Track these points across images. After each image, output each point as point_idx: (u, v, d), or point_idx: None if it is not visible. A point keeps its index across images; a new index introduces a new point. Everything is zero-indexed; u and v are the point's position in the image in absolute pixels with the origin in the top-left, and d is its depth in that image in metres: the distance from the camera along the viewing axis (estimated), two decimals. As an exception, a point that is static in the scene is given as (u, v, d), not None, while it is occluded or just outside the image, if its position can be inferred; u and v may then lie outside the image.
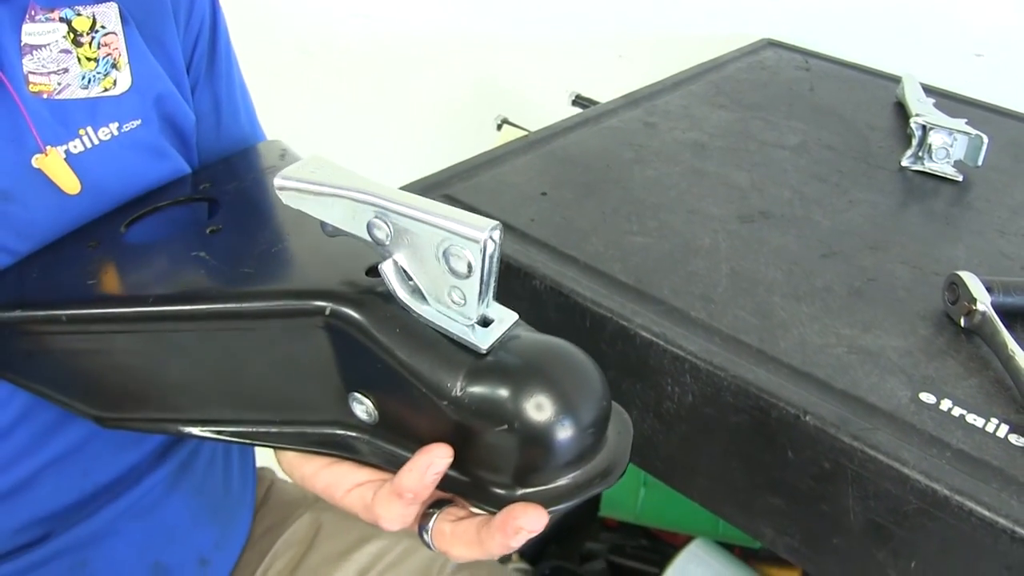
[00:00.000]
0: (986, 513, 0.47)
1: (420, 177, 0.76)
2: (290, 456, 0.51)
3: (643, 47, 1.32)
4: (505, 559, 1.38)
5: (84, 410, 0.53)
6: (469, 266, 0.39)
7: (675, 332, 0.58)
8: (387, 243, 0.41)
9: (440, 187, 0.74)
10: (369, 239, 0.42)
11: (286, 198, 0.43)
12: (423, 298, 0.42)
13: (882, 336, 0.59)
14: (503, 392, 0.40)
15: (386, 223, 0.41)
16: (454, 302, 0.41)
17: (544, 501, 0.41)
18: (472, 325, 0.42)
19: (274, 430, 0.50)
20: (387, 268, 0.42)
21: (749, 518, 0.59)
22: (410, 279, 0.42)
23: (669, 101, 0.94)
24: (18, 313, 0.49)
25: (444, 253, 0.40)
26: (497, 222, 0.39)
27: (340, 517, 0.77)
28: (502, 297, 0.60)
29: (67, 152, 0.53)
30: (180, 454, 0.65)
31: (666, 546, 1.38)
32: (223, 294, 0.47)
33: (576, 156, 0.81)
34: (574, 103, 1.15)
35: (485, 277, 0.40)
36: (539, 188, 0.75)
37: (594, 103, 1.05)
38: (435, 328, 0.43)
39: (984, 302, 0.59)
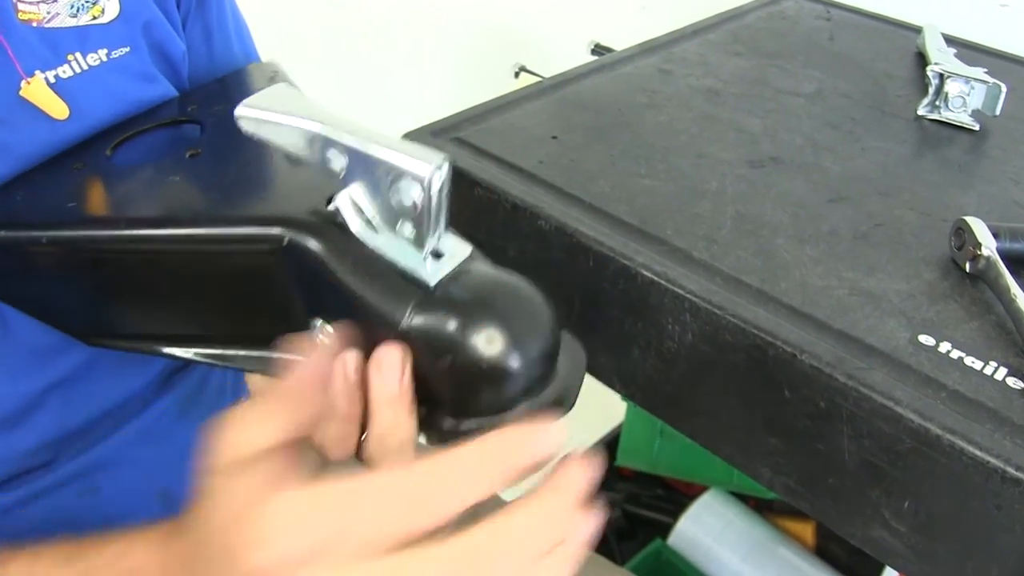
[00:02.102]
0: (978, 453, 0.47)
1: (432, 122, 0.76)
2: (255, 379, 0.51)
3: (666, -2, 1.31)
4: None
5: (71, 330, 0.55)
6: (416, 200, 0.40)
7: (676, 272, 0.59)
8: (341, 175, 0.42)
9: (451, 130, 0.75)
10: (325, 169, 0.42)
11: (245, 126, 0.43)
12: (375, 230, 0.43)
13: (885, 279, 0.59)
14: (450, 324, 0.41)
15: (341, 153, 0.41)
16: (405, 236, 0.42)
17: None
18: (424, 257, 0.42)
19: (242, 353, 0.50)
20: (341, 199, 0.43)
21: (747, 458, 0.59)
22: (363, 212, 0.43)
23: (686, 49, 0.93)
24: (2, 233, 0.50)
25: (392, 187, 0.40)
26: (444, 155, 0.39)
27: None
28: (509, 237, 0.61)
29: (56, 77, 0.54)
30: (188, 383, 0.66)
31: (681, 496, 1.39)
32: (188, 219, 0.47)
33: (589, 101, 0.81)
34: (593, 52, 1.14)
35: (433, 211, 0.40)
36: (550, 132, 0.75)
37: (613, 52, 1.05)
38: (388, 259, 0.43)
39: (989, 247, 0.59)
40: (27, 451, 0.57)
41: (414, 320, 0.41)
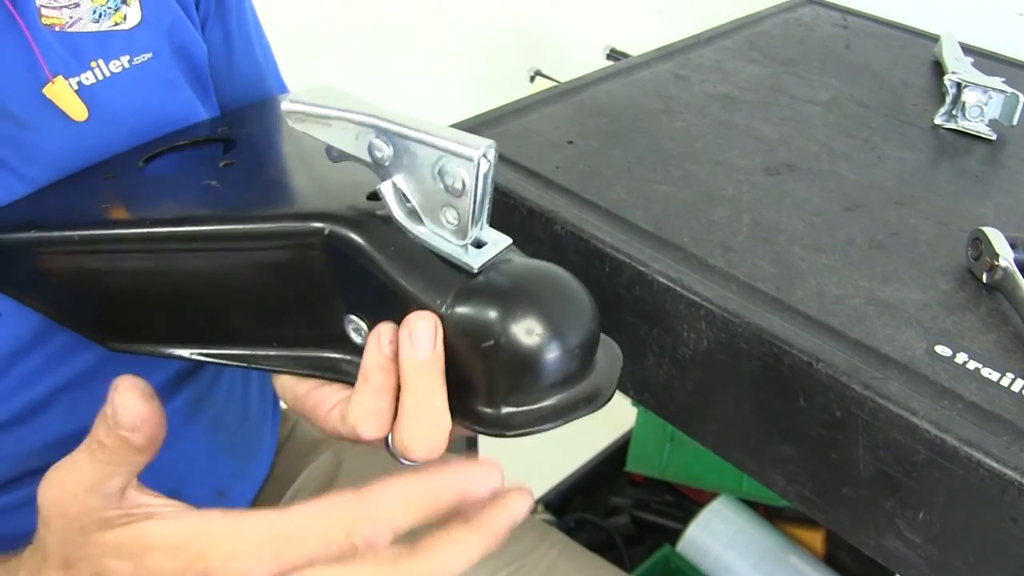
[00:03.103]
0: (994, 465, 0.47)
1: (447, 125, 0.76)
2: (284, 378, 0.52)
3: (682, 3, 1.31)
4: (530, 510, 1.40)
5: (91, 333, 0.55)
6: (463, 183, 0.40)
7: (692, 278, 0.58)
8: (387, 165, 0.42)
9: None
10: (370, 160, 0.43)
11: (292, 120, 0.44)
12: (419, 219, 0.43)
13: (901, 289, 0.59)
14: (491, 310, 0.41)
15: (386, 143, 0.42)
16: (448, 222, 0.42)
17: (528, 422, 0.42)
18: (466, 246, 0.42)
19: (272, 353, 0.51)
20: (385, 188, 0.43)
21: (761, 466, 0.59)
22: (408, 200, 0.43)
23: (702, 55, 0.93)
24: (32, 234, 0.51)
25: (439, 172, 0.40)
26: (492, 142, 0.39)
27: (361, 455, 0.78)
28: (524, 241, 0.61)
29: (79, 84, 0.54)
30: (197, 385, 0.67)
31: (691, 502, 1.39)
32: (227, 216, 0.48)
33: (605, 106, 0.81)
34: (608, 57, 1.14)
35: (479, 196, 0.40)
36: (566, 136, 0.75)
37: (628, 57, 1.05)
38: (430, 248, 0.43)
39: (1007, 258, 0.59)
40: (32, 451, 0.58)
41: (456, 307, 0.42)
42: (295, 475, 0.75)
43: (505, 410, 0.43)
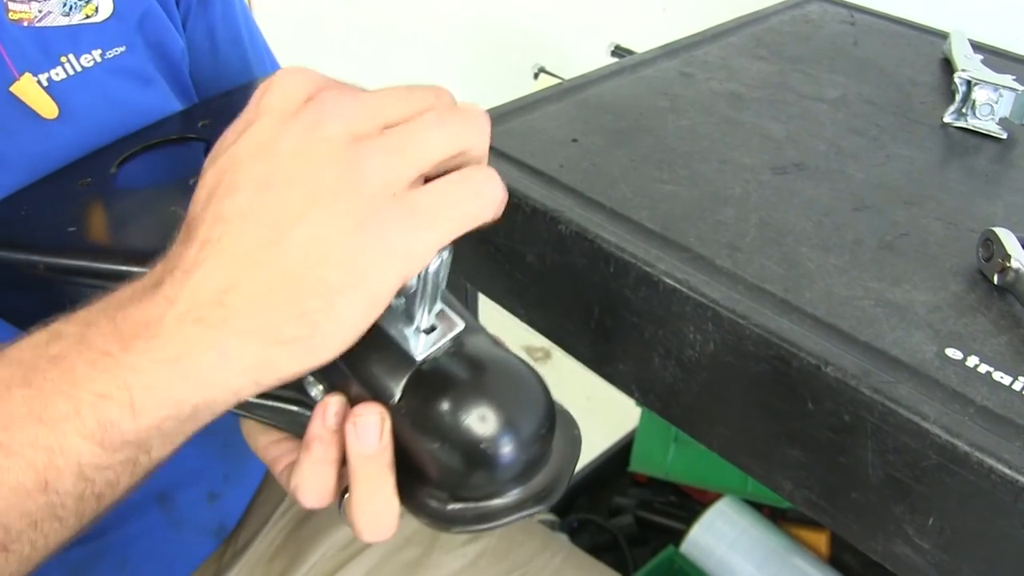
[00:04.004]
0: (1007, 471, 0.46)
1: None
2: (249, 425, 0.51)
3: (687, 0, 1.30)
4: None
5: None
6: (408, 284, 0.39)
7: (699, 279, 0.58)
8: None
9: (471, 131, 0.74)
10: None
11: None
12: None
13: (911, 290, 0.58)
14: (438, 407, 0.40)
15: None
16: (398, 307, 0.42)
17: (475, 519, 0.42)
18: (415, 332, 0.42)
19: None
20: None
21: (768, 469, 0.58)
22: None
23: (708, 52, 0.92)
24: (2, 253, 0.50)
25: None
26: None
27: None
28: (528, 241, 0.60)
29: (49, 80, 0.53)
30: None
31: (694, 503, 1.38)
32: None
33: (609, 104, 0.80)
34: (613, 54, 1.13)
35: (428, 293, 0.40)
36: (570, 135, 0.74)
37: (633, 54, 1.04)
38: (383, 329, 0.42)
39: (1019, 259, 0.58)
40: None
41: (405, 398, 0.41)
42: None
43: (451, 507, 0.42)
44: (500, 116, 0.76)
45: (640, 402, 0.64)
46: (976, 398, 0.50)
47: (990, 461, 0.47)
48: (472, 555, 0.72)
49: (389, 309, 0.41)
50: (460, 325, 0.43)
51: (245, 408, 0.49)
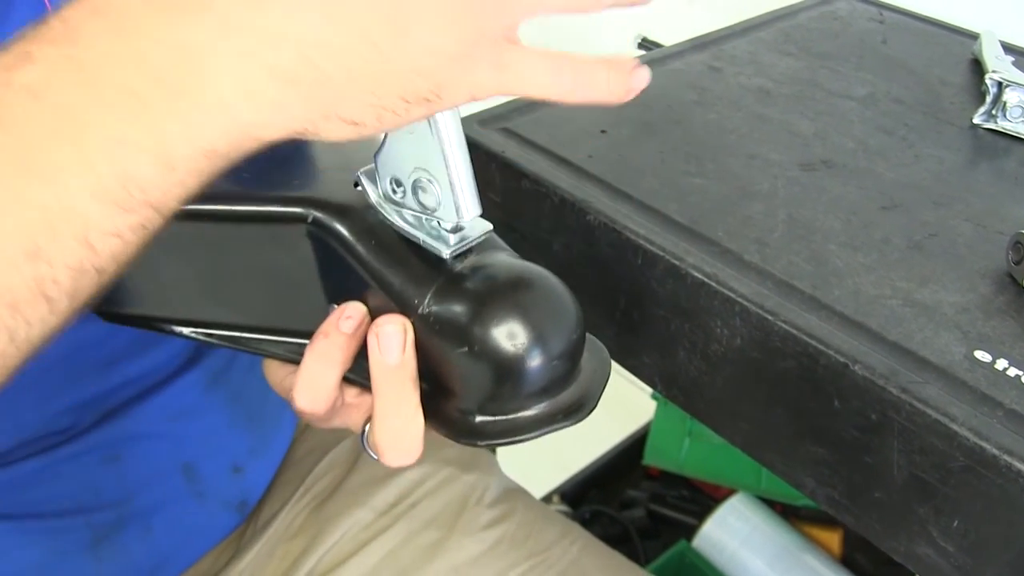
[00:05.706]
0: (1035, 475, 0.46)
1: (480, 111, 0.75)
2: (268, 361, 0.51)
3: (715, -7, 1.30)
4: (546, 499, 1.39)
5: None
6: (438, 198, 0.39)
7: (727, 274, 0.57)
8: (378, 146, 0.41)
9: (499, 120, 0.74)
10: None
11: None
12: (399, 205, 0.42)
13: (939, 291, 0.58)
14: (468, 313, 0.39)
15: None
16: (427, 207, 0.41)
17: (503, 432, 0.41)
18: (442, 231, 0.41)
19: (260, 337, 0.50)
20: (365, 174, 0.42)
21: (790, 466, 0.58)
22: (394, 184, 0.42)
23: (736, 46, 0.92)
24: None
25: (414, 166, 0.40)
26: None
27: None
28: (555, 231, 0.60)
29: None
30: (215, 358, 0.66)
31: (707, 498, 1.38)
32: (213, 195, 0.47)
33: (638, 96, 0.79)
34: (640, 46, 1.13)
35: (453, 171, 0.39)
36: (599, 125, 0.74)
37: (660, 47, 1.03)
38: (410, 237, 0.42)
39: (1049, 263, 0.58)
40: (46, 414, 0.57)
41: (434, 306, 0.40)
42: (317, 460, 0.75)
43: (479, 419, 0.41)
44: (528, 105, 0.76)
45: (662, 395, 0.64)
46: (1005, 401, 0.50)
47: (1018, 465, 0.46)
48: (491, 540, 0.72)
49: (418, 217, 0.41)
50: (487, 226, 0.43)
51: (272, 349, 0.49)
